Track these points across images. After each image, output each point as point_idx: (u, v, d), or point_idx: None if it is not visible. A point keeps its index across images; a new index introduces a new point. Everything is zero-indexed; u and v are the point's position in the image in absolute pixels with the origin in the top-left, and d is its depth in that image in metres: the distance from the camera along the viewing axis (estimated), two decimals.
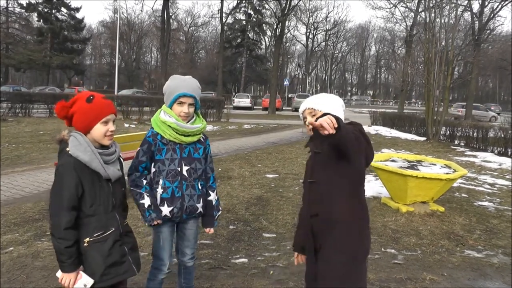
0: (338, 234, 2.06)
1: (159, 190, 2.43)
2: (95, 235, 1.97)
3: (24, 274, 3.35)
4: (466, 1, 26.03)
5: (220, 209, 2.74)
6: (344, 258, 2.06)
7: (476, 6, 32.02)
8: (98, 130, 1.99)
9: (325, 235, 2.11)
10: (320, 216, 2.11)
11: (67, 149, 1.93)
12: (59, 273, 1.93)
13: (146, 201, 2.38)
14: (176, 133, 2.41)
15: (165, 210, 2.43)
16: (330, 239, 2.09)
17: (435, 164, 6.01)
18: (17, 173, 7.07)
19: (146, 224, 2.44)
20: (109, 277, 2.00)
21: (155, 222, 2.40)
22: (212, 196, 2.65)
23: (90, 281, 1.92)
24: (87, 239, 1.95)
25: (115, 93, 30.52)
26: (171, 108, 2.44)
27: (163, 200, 2.43)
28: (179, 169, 2.44)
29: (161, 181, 2.42)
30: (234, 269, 3.60)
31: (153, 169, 2.45)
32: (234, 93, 50.07)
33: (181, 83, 2.44)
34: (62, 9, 50.81)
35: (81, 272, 1.92)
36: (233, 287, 3.28)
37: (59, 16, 50.87)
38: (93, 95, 2.01)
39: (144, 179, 2.45)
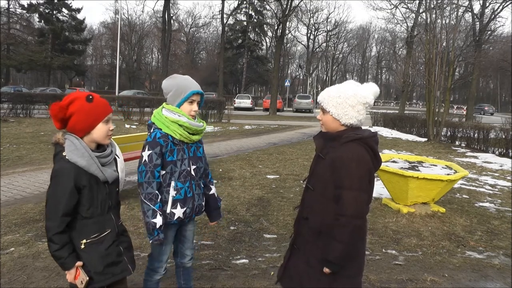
0: (322, 245, 2.01)
1: (172, 192, 2.37)
2: (91, 236, 1.97)
3: (24, 274, 3.35)
4: (467, 2, 26.08)
5: (221, 198, 2.79)
6: (322, 267, 2.02)
7: (477, 7, 32.05)
8: (100, 129, 1.97)
9: (310, 240, 2.09)
10: (309, 221, 2.09)
11: (64, 153, 1.89)
12: None
13: (159, 221, 2.29)
14: (188, 132, 2.39)
15: (178, 212, 2.40)
16: (314, 245, 2.06)
17: (436, 165, 6.00)
18: (18, 174, 7.08)
19: (149, 239, 2.34)
20: (107, 277, 2.01)
21: (158, 243, 2.34)
22: (213, 189, 2.69)
23: (85, 278, 1.94)
24: (84, 240, 1.95)
25: (116, 93, 30.56)
26: (179, 107, 2.40)
27: (175, 202, 2.38)
28: (189, 169, 2.44)
29: (173, 183, 2.37)
30: (235, 270, 3.59)
31: (162, 172, 2.36)
32: (235, 94, 50.07)
33: (190, 82, 2.45)
34: (63, 10, 50.96)
35: (79, 268, 1.94)
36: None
37: (60, 17, 51.01)
38: (92, 95, 1.97)
39: (158, 189, 2.35)
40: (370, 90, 2.07)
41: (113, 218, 2.08)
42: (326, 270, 1.98)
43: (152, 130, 2.39)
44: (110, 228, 2.04)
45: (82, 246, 1.94)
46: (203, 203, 2.58)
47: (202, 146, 2.62)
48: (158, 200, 2.32)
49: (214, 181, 2.89)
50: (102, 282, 1.99)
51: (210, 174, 2.70)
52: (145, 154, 2.32)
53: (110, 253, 2.01)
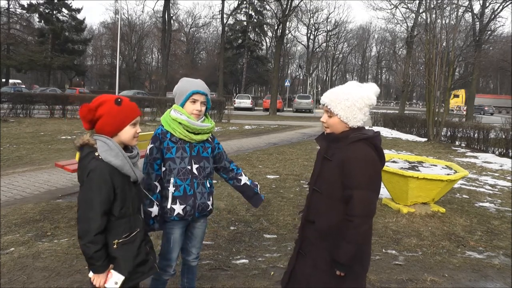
0: (330, 246, 2.02)
1: (171, 189, 2.43)
2: (123, 236, 1.99)
3: (24, 274, 3.35)
4: (467, 2, 26.07)
5: (257, 183, 2.81)
6: (330, 269, 2.03)
7: (477, 7, 32.04)
8: (127, 132, 2.02)
9: (317, 243, 2.08)
10: (316, 224, 2.08)
11: (96, 153, 1.91)
12: (90, 273, 1.96)
13: (154, 211, 2.39)
14: (187, 130, 2.44)
15: (178, 208, 2.44)
16: (321, 248, 2.06)
17: (436, 165, 6.00)
18: (18, 174, 7.08)
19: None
20: (137, 275, 2.04)
21: (154, 231, 2.44)
22: (244, 180, 2.72)
23: (120, 278, 1.95)
24: (116, 240, 1.97)
25: (116, 93, 30.56)
26: (183, 107, 2.48)
27: (175, 198, 2.44)
28: (189, 167, 2.47)
29: (172, 180, 2.43)
30: (235, 270, 3.60)
31: (163, 168, 2.46)
32: (235, 94, 50.05)
33: (192, 82, 2.52)
34: (63, 10, 50.90)
35: (111, 270, 1.95)
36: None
37: (60, 17, 50.95)
38: (120, 98, 2.02)
39: (158, 181, 2.45)
40: (372, 90, 2.08)
41: (141, 218, 2.12)
42: (338, 273, 1.98)
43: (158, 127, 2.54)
44: (139, 227, 2.07)
45: (115, 246, 1.96)
46: (209, 203, 2.57)
47: (212, 147, 2.62)
48: (157, 191, 2.44)
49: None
50: (133, 280, 2.02)
51: (235, 167, 2.74)
52: (148, 147, 2.47)
53: (140, 252, 2.05)
